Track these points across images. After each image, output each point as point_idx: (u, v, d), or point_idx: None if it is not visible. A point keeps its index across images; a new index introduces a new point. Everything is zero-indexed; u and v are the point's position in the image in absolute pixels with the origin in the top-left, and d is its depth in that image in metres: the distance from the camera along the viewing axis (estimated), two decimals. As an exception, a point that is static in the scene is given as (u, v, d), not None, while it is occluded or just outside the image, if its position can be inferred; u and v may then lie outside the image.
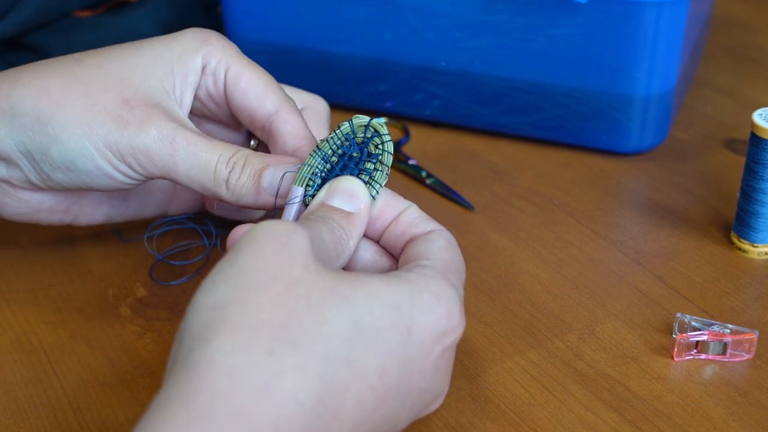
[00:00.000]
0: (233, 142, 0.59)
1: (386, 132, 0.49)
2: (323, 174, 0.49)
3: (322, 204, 0.48)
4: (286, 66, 0.75)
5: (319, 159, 0.50)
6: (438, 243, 0.48)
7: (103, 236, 0.63)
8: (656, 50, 0.66)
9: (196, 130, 0.52)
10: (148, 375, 0.53)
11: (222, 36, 0.56)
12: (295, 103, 0.56)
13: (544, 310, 0.57)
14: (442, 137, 0.74)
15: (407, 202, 0.50)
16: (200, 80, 0.55)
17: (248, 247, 0.42)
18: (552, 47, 0.67)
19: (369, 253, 0.50)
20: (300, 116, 0.55)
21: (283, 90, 0.56)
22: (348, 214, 0.47)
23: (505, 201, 0.67)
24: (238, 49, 0.56)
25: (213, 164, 0.51)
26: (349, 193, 0.48)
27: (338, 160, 0.50)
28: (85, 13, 0.80)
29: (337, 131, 0.50)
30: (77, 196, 0.57)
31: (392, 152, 0.49)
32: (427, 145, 0.73)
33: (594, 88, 0.68)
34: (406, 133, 0.74)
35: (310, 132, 0.55)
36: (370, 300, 0.42)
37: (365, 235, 0.49)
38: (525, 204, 0.66)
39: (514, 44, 0.68)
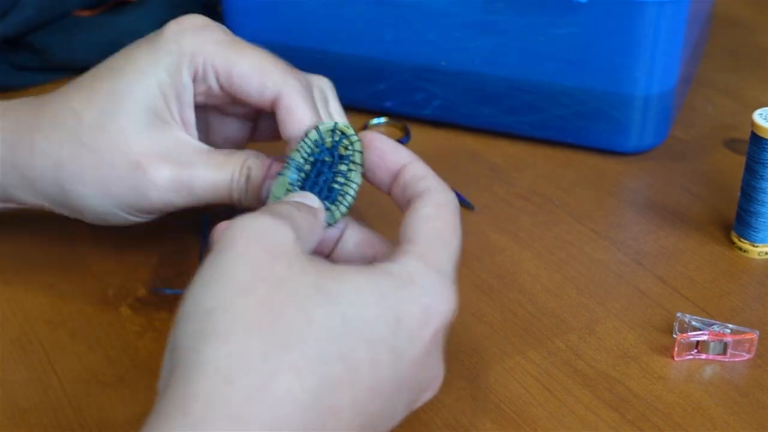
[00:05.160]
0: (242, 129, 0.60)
1: (353, 133, 0.50)
2: (299, 183, 0.50)
3: (281, 201, 0.49)
4: (286, 66, 0.75)
5: (293, 169, 0.50)
6: (423, 212, 0.47)
7: (103, 236, 0.63)
8: (656, 50, 0.66)
9: (204, 149, 0.55)
10: (148, 375, 0.53)
11: (196, 23, 0.55)
12: (296, 80, 0.55)
13: (544, 310, 0.57)
14: (442, 137, 0.74)
15: (409, 157, 0.50)
16: (194, 89, 0.55)
17: (229, 250, 0.42)
18: (552, 47, 0.67)
19: (351, 244, 0.50)
20: (300, 99, 0.54)
21: (281, 67, 0.55)
22: (311, 207, 0.48)
23: (505, 201, 0.67)
24: (218, 34, 0.55)
25: (227, 188, 0.54)
26: (301, 195, 0.49)
27: (311, 167, 0.50)
28: (85, 13, 0.80)
29: (306, 139, 0.51)
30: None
31: (362, 151, 0.50)
32: (427, 145, 0.73)
33: (594, 88, 0.68)
34: (406, 133, 0.74)
35: (312, 114, 0.54)
36: (355, 294, 0.42)
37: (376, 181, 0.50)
38: (525, 204, 0.66)
39: (514, 44, 0.68)
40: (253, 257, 0.41)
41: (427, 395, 0.46)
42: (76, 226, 0.63)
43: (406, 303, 0.43)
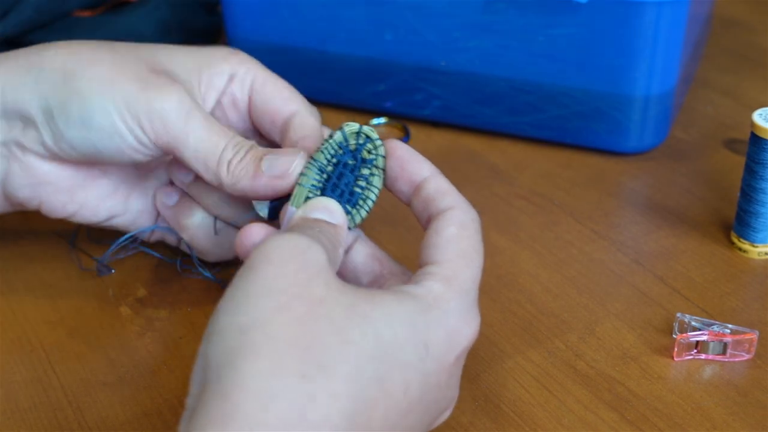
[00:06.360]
0: None
1: (377, 137, 0.50)
2: (321, 185, 0.50)
3: (305, 218, 0.48)
4: (286, 66, 0.75)
5: (316, 170, 0.50)
6: (446, 233, 0.47)
7: (103, 237, 0.63)
8: (656, 50, 0.66)
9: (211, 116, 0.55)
10: (148, 375, 0.53)
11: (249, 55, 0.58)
12: (316, 110, 0.57)
13: (544, 310, 0.57)
14: (442, 137, 0.74)
15: (431, 170, 0.49)
16: (227, 87, 0.56)
17: (266, 267, 0.42)
18: (552, 47, 0.67)
19: (361, 257, 0.50)
20: (316, 119, 0.56)
21: (305, 100, 0.57)
22: (333, 225, 0.47)
23: (505, 201, 0.67)
24: (263, 65, 0.58)
25: (222, 144, 0.52)
26: (327, 209, 0.48)
27: (333, 168, 0.50)
28: (85, 13, 0.80)
29: (330, 141, 0.50)
30: (83, 178, 0.56)
31: (385, 155, 0.50)
32: (427, 145, 0.73)
33: (594, 88, 0.68)
34: (406, 133, 0.74)
35: (320, 131, 0.55)
36: (388, 317, 0.42)
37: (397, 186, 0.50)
38: (525, 204, 0.66)
39: (514, 44, 0.68)
40: (289, 275, 0.41)
41: (445, 415, 0.47)
42: (76, 226, 0.63)
43: (433, 327, 0.43)
